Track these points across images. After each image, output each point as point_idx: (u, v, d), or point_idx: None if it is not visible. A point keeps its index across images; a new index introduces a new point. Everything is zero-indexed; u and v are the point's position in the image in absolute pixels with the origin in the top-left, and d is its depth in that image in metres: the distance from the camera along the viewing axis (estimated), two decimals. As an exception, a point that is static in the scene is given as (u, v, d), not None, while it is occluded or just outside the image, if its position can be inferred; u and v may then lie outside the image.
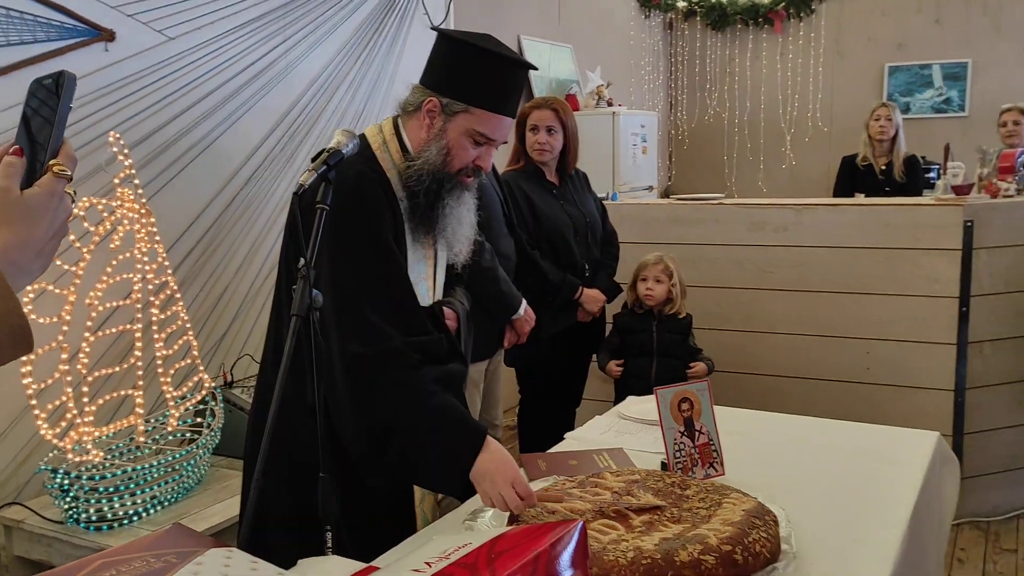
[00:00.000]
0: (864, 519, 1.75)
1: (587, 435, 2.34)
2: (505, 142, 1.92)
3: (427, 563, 1.13)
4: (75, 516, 2.34)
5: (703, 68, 7.51)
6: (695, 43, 7.51)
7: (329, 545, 1.60)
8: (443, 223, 1.84)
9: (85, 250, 2.36)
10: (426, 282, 1.94)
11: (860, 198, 4.70)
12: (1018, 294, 3.53)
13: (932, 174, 6.09)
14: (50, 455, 2.39)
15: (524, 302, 3.03)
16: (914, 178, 4.97)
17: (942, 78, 6.65)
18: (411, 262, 1.87)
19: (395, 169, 1.84)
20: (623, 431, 2.35)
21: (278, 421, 1.43)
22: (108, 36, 2.71)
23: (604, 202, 3.69)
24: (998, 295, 3.49)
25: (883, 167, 5.01)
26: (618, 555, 1.46)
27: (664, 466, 1.98)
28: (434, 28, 1.86)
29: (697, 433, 2.00)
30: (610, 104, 5.53)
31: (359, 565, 1.30)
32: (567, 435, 2.34)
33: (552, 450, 2.21)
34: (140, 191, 2.53)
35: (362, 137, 1.86)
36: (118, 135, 2.53)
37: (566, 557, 1.14)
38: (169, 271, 2.63)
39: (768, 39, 7.24)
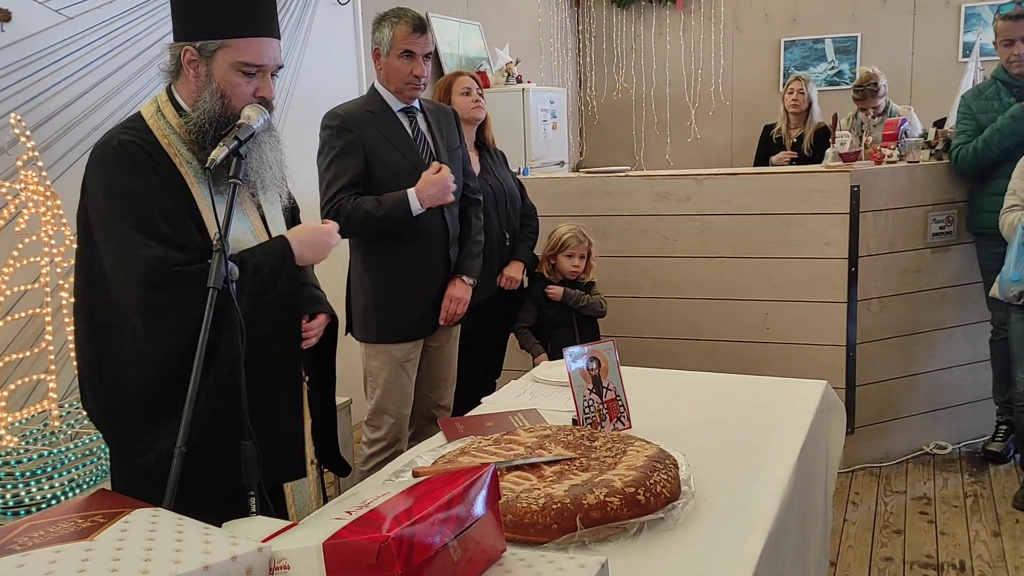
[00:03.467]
0: (756, 460, 1.89)
1: (503, 398, 2.44)
2: (281, 65, 1.85)
3: (348, 512, 1.20)
4: (-9, 502, 2.32)
5: (610, 45, 7.66)
6: (601, 20, 7.64)
7: (254, 509, 1.66)
8: (245, 169, 1.76)
9: (-10, 234, 2.33)
10: (258, 239, 1.91)
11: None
12: (902, 254, 3.77)
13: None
14: (-39, 443, 2.36)
15: (411, 189, 2.79)
16: (823, 150, 5.16)
17: (834, 52, 6.96)
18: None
19: (175, 134, 1.80)
20: (537, 393, 2.46)
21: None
22: (3, 16, 2.65)
23: (516, 177, 3.80)
24: (883, 255, 3.73)
25: (795, 139, 5.22)
26: (530, 502, 1.55)
27: (575, 422, 2.09)
28: None
29: (605, 390, 2.12)
30: (519, 81, 5.62)
31: (282, 523, 1.37)
32: (484, 399, 2.44)
33: (469, 414, 2.30)
34: (44, 173, 2.50)
35: (135, 113, 1.86)
36: (19, 117, 2.49)
37: (480, 498, 1.23)
38: (78, 254, 2.60)
39: (671, 16, 7.43)
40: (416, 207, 2.78)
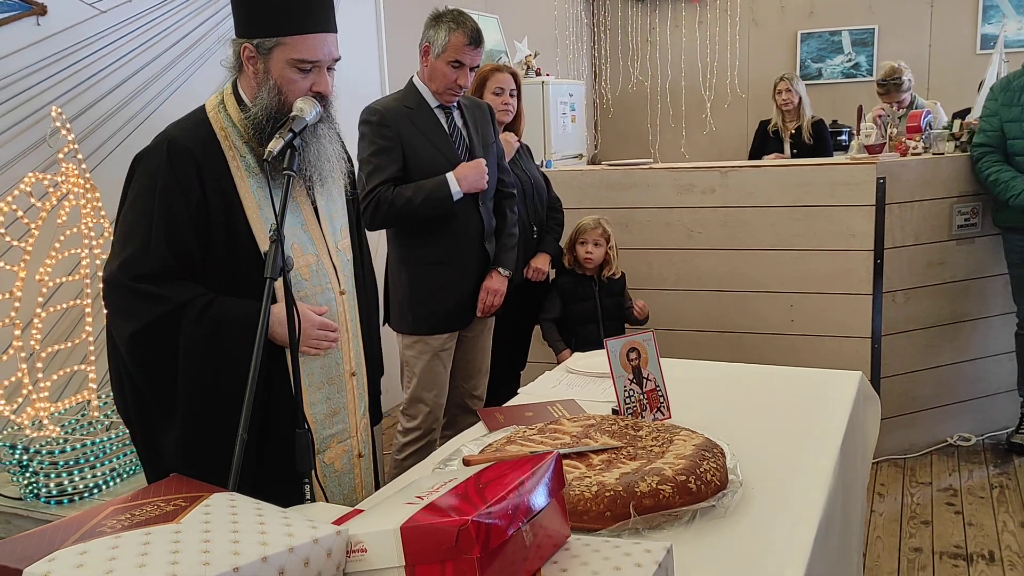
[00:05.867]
0: (800, 450, 1.90)
1: (538, 390, 2.45)
2: (338, 58, 1.85)
3: (419, 496, 1.22)
4: (35, 491, 2.34)
5: (625, 38, 7.66)
6: (616, 13, 7.64)
7: (308, 497, 1.68)
8: (302, 163, 1.79)
9: (33, 226, 2.35)
10: (308, 232, 1.91)
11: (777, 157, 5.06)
12: (927, 245, 3.78)
13: (843, 137, 6.42)
14: (4, 432, 2.39)
15: (451, 173, 2.82)
16: (821, 140, 5.31)
17: (851, 44, 6.94)
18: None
19: (233, 127, 1.84)
20: (573, 384, 2.47)
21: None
22: (40, 10, 2.67)
23: (540, 170, 3.81)
24: (909, 247, 3.73)
25: (793, 131, 5.35)
26: (583, 490, 1.57)
27: (615, 412, 2.10)
28: None
29: (645, 380, 2.14)
30: (538, 74, 5.62)
31: (345, 509, 1.39)
32: (520, 390, 2.45)
33: (507, 404, 2.31)
34: (84, 165, 2.52)
35: (200, 107, 1.90)
36: (59, 109, 2.51)
37: (547, 484, 1.25)
38: (115, 246, 2.62)
39: (687, 8, 7.42)
40: (455, 189, 2.81)
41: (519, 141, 3.56)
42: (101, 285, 1.83)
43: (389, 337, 3.09)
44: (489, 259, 3.03)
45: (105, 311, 1.83)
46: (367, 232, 2.86)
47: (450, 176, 2.81)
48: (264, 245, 1.82)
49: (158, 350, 1.76)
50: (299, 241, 1.89)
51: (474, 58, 2.84)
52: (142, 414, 1.86)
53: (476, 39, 2.82)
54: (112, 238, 1.83)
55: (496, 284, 3.01)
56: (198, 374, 1.77)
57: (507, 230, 3.10)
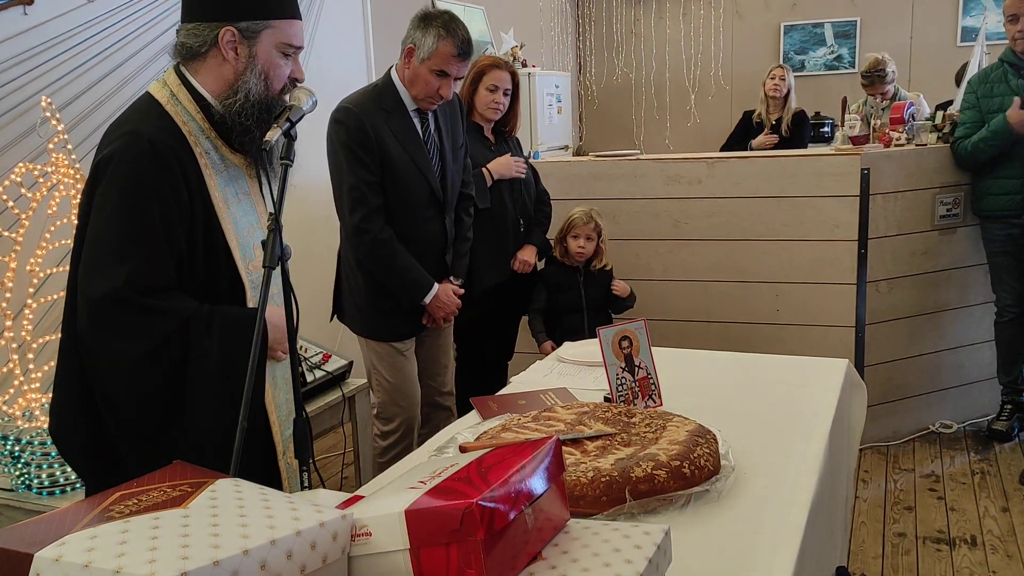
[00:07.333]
0: (789, 436, 1.93)
1: (530, 378, 2.47)
2: (302, 47, 1.83)
3: (421, 481, 1.23)
4: (27, 482, 2.34)
5: (610, 29, 7.67)
6: (601, 5, 7.65)
7: (306, 484, 1.69)
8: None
9: (24, 216, 2.34)
10: (262, 230, 1.86)
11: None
12: (910, 235, 3.83)
13: (825, 128, 6.48)
14: (-4, 424, 2.38)
15: (436, 287, 2.88)
16: (799, 132, 5.39)
17: (834, 36, 7.00)
18: (239, 213, 1.82)
19: (193, 121, 1.76)
20: (564, 373, 2.49)
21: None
22: (26, 0, 2.65)
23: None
24: (892, 237, 3.78)
25: (774, 122, 5.41)
26: (579, 475, 1.59)
27: (607, 400, 2.12)
28: None
29: (637, 368, 2.16)
30: (524, 65, 5.63)
31: (345, 495, 1.40)
32: (512, 379, 2.47)
33: (500, 393, 2.33)
34: (74, 156, 2.51)
35: (146, 96, 1.78)
36: (49, 99, 2.49)
37: (548, 469, 1.26)
38: (105, 236, 2.61)
39: (671, 0, 7.44)
40: (425, 301, 2.89)
41: (521, 159, 3.53)
42: (92, 302, 1.63)
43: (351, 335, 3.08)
44: (447, 270, 2.98)
45: (96, 334, 1.64)
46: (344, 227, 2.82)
47: (433, 290, 2.87)
48: (235, 245, 1.79)
49: (166, 368, 1.68)
50: (256, 239, 1.85)
51: (460, 70, 2.75)
52: (132, 443, 1.72)
53: (465, 51, 2.70)
54: (95, 249, 1.65)
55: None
56: (209, 385, 1.72)
57: (461, 234, 3.05)
